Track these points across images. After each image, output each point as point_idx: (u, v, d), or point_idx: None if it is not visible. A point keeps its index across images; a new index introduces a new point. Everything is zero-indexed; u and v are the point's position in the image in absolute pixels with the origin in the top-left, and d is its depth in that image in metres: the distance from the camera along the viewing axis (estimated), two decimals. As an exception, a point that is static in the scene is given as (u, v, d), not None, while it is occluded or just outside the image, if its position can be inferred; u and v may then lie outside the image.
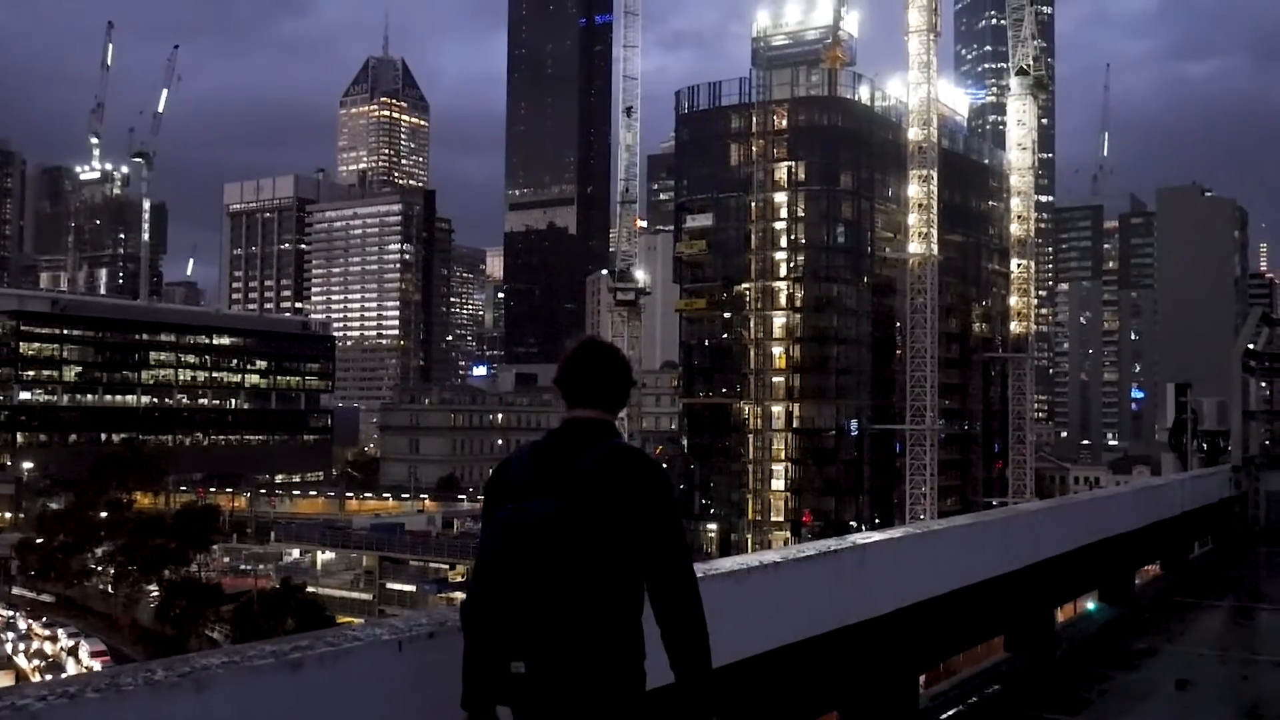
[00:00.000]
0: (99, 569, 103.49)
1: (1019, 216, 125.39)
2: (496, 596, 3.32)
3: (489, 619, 3.34)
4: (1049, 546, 8.90)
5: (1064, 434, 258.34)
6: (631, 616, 3.44)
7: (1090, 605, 11.72)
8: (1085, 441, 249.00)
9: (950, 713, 7.29)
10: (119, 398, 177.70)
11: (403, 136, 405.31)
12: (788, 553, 5.48)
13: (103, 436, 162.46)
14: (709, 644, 3.51)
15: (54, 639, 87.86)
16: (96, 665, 79.05)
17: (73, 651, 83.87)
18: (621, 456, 3.50)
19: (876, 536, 6.28)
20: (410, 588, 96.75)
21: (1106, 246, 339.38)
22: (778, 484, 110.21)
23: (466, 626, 3.42)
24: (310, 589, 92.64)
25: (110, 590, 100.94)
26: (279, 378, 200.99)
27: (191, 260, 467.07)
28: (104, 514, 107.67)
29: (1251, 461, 19.36)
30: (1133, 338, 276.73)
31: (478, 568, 3.44)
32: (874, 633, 5.93)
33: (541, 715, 3.34)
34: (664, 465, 3.80)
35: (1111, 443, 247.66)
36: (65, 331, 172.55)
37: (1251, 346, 19.67)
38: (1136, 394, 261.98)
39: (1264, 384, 21.22)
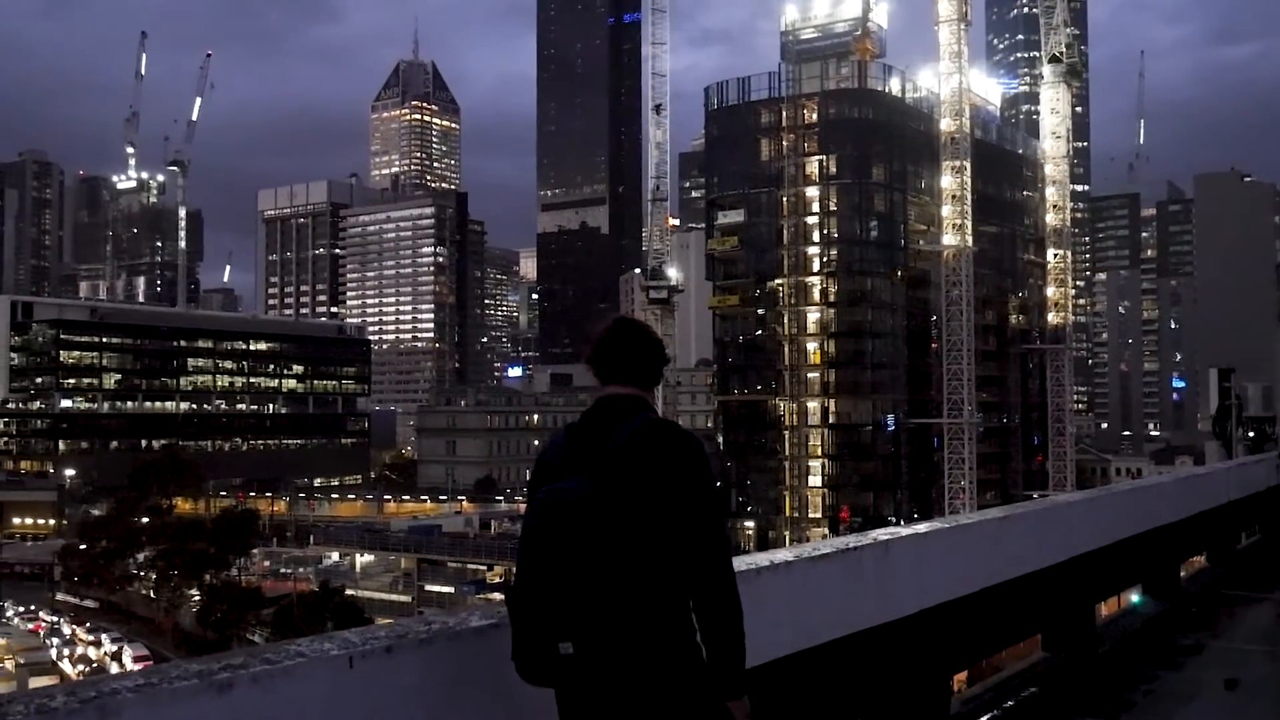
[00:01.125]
0: (141, 574, 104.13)
1: (1054, 206, 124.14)
2: (540, 578, 3.26)
3: (534, 601, 3.27)
4: (1088, 539, 8.35)
5: (1104, 425, 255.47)
6: (680, 591, 3.37)
7: (1134, 599, 11.21)
8: (1126, 432, 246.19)
9: (984, 718, 6.85)
10: (158, 404, 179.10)
11: (434, 139, 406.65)
12: (802, 551, 5.09)
13: (143, 443, 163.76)
14: (742, 621, 3.41)
15: (98, 644, 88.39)
16: (139, 670, 79.58)
17: (116, 656, 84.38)
18: (654, 430, 3.44)
19: (902, 532, 5.86)
20: (449, 589, 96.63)
21: (1144, 235, 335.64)
22: (815, 480, 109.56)
23: (512, 609, 3.35)
24: (349, 592, 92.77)
25: (152, 595, 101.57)
26: (316, 382, 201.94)
27: (229, 267, 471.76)
28: (145, 519, 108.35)
29: (1300, 448, 18.68)
30: (1172, 326, 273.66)
31: (520, 550, 3.38)
32: (899, 635, 5.51)
33: (592, 695, 3.28)
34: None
35: (1153, 433, 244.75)
36: (104, 339, 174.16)
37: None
38: (1178, 383, 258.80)
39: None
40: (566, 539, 3.24)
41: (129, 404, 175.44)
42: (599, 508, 3.26)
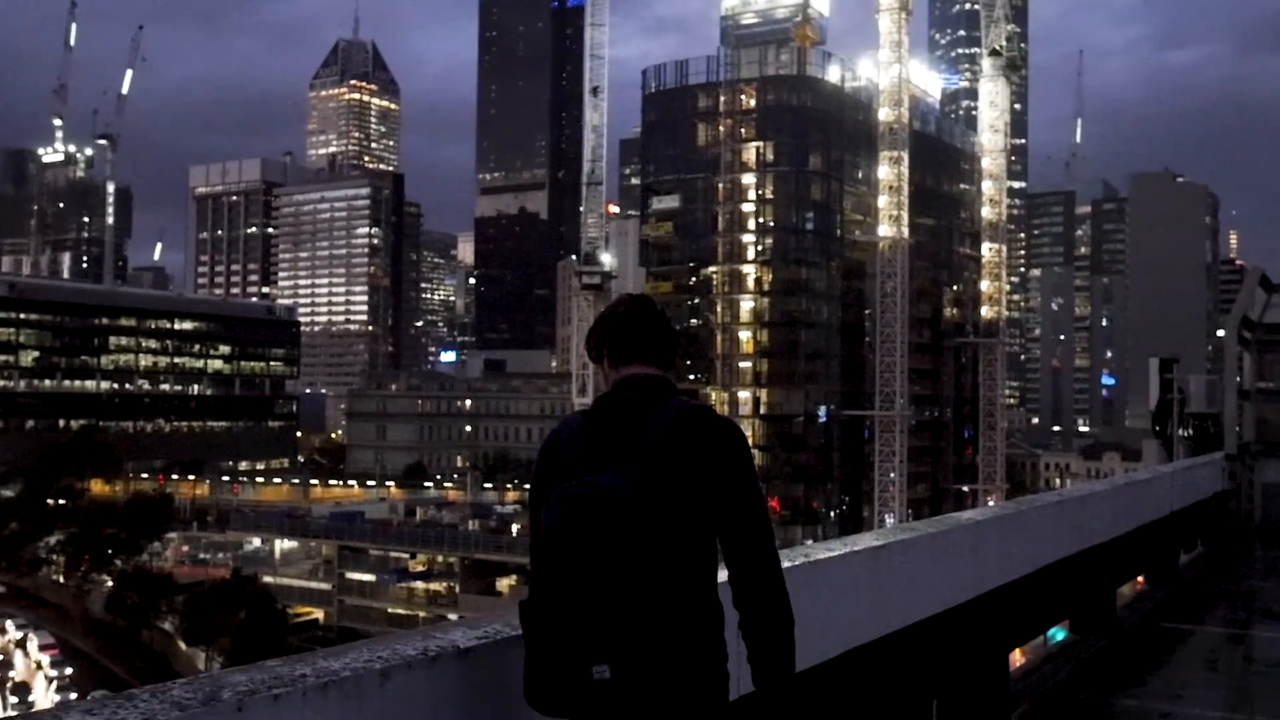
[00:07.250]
0: (50, 558, 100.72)
1: (991, 200, 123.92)
2: (575, 588, 2.79)
3: (567, 615, 2.80)
4: (1002, 569, 6.41)
5: (1035, 420, 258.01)
6: (715, 603, 2.97)
7: (1058, 638, 9.43)
8: (1056, 428, 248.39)
9: None
10: (78, 383, 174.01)
11: (373, 120, 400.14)
12: (500, 629, 3.23)
13: (61, 423, 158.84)
14: (794, 631, 2.99)
15: (3, 631, 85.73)
16: (45, 659, 77.14)
17: (21, 644, 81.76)
18: (700, 415, 3.02)
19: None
20: (370, 577, 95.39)
21: (1079, 232, 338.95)
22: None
23: (534, 627, 2.87)
24: (267, 579, 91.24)
25: (62, 580, 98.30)
26: (243, 363, 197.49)
27: (159, 245, 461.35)
28: (58, 502, 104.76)
29: (1246, 449, 17.07)
30: (1104, 324, 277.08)
31: (544, 556, 2.87)
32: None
33: None
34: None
35: (1082, 429, 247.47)
36: (22, 315, 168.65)
37: (1248, 316, 17.18)
38: (1107, 380, 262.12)
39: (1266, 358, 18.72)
40: (611, 541, 2.78)
41: (47, 382, 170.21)
42: (649, 503, 2.81)
